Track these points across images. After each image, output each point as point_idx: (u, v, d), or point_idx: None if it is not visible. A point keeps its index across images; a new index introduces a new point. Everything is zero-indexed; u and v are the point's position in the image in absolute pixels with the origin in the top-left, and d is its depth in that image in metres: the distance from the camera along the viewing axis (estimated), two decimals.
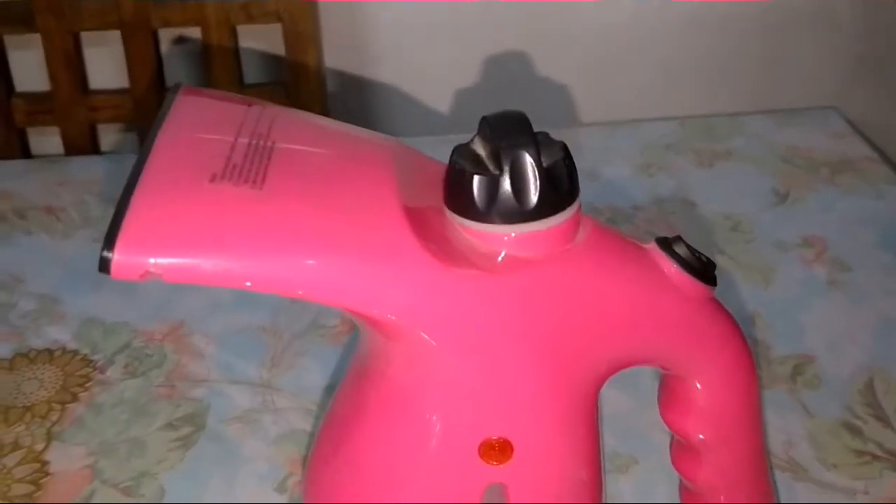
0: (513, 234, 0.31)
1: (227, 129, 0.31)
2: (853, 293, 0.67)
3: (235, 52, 0.88)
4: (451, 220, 0.32)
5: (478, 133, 0.33)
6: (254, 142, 0.30)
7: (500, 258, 0.31)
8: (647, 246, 0.35)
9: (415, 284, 0.30)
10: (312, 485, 0.38)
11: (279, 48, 0.89)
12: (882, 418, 0.57)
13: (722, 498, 0.40)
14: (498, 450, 0.32)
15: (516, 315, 0.31)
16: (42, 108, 0.90)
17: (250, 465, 0.54)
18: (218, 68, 0.88)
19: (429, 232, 0.31)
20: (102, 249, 0.27)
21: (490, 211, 0.31)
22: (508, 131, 0.31)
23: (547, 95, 0.94)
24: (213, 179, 0.29)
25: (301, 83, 0.89)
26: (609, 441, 0.53)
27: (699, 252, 0.35)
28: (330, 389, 0.59)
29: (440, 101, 0.95)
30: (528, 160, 0.30)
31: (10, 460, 0.54)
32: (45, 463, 0.55)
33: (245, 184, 0.29)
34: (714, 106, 0.97)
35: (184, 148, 0.30)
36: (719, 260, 0.69)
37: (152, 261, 0.28)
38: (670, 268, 0.34)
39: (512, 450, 0.32)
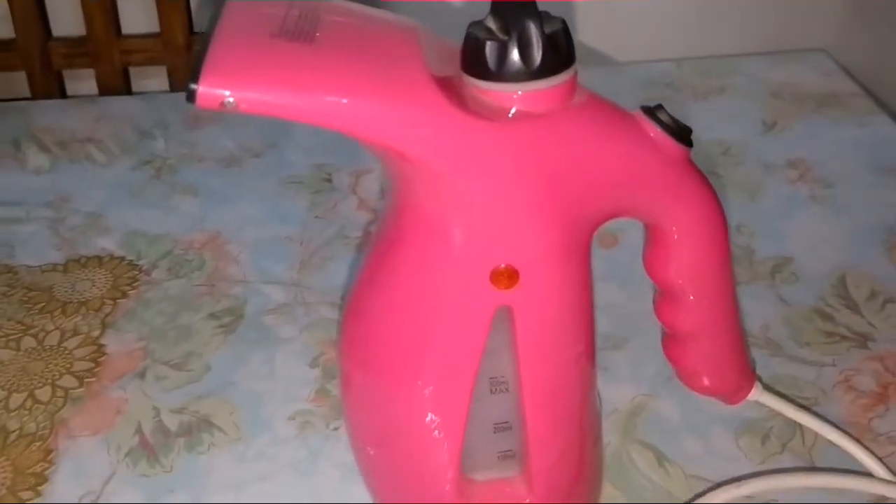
0: (520, 92, 0.37)
1: (280, 5, 0.37)
2: (833, 206, 0.73)
3: None
4: (468, 83, 0.38)
5: (489, 12, 0.39)
6: (303, 13, 0.37)
7: (510, 114, 0.37)
8: (633, 112, 0.41)
9: (439, 125, 0.36)
10: (350, 317, 0.44)
11: None
12: (852, 307, 0.63)
13: (700, 341, 0.46)
14: (506, 276, 0.38)
15: (523, 159, 0.37)
16: (78, 51, 0.96)
17: (286, 346, 0.61)
18: None
19: (450, 90, 0.37)
20: (189, 83, 0.34)
21: (501, 72, 0.37)
22: (516, 7, 0.37)
23: None
24: (272, 36, 0.35)
25: None
26: (604, 325, 0.60)
27: (678, 119, 0.41)
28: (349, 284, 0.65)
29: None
30: (533, 27, 0.37)
31: (71, 343, 0.61)
32: (101, 346, 0.61)
33: (298, 41, 0.35)
34: (710, 48, 1.03)
35: (248, 14, 0.36)
36: (711, 179, 0.75)
37: (228, 92, 0.34)
38: (654, 130, 0.40)
39: (518, 276, 0.39)
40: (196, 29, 0.96)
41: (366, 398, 0.46)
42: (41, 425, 0.55)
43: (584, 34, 1.00)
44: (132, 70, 0.98)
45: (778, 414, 0.53)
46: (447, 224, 0.38)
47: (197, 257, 0.69)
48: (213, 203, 0.76)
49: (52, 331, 0.62)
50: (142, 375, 0.59)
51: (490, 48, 0.37)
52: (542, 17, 0.37)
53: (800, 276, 0.66)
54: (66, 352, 0.60)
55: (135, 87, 0.99)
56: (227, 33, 0.35)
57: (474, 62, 0.37)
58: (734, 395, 0.49)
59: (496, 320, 0.40)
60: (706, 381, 0.48)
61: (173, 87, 0.98)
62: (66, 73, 0.98)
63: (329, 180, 0.78)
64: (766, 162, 0.79)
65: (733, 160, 0.79)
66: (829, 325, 0.61)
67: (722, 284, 0.44)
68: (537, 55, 0.37)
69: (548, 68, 0.37)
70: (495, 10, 0.38)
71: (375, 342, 0.43)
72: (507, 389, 0.42)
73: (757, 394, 0.50)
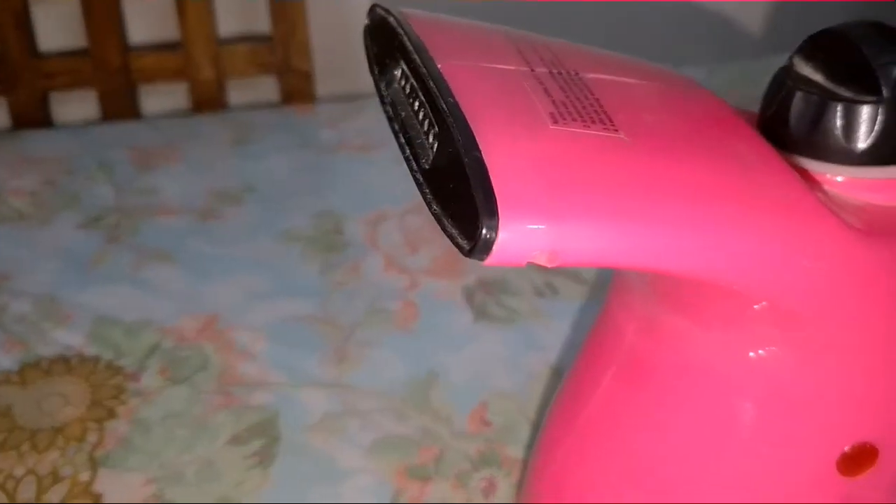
0: (891, 177, 0.24)
1: (508, 57, 0.23)
2: None
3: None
4: (803, 167, 0.25)
5: (801, 53, 0.25)
6: (554, 71, 0.22)
7: (863, 212, 0.24)
8: None
9: (830, 259, 0.23)
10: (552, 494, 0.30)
11: None
12: None
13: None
14: (860, 458, 0.25)
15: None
16: None
17: (351, 481, 0.46)
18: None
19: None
20: (483, 228, 0.19)
21: (868, 149, 0.24)
22: (880, 45, 0.24)
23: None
24: (555, 121, 0.20)
25: (288, 34, 0.79)
26: None
27: None
28: (415, 383, 0.51)
29: None
30: None
31: (56, 496, 0.44)
32: (98, 496, 0.45)
33: (594, 125, 0.21)
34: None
35: (487, 83, 0.21)
36: None
37: (544, 236, 0.19)
38: None
39: (876, 458, 0.26)
40: (131, 43, 0.79)
41: None
42: None
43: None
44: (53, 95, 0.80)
45: None
46: (778, 392, 0.25)
47: (196, 352, 0.54)
48: (198, 273, 0.60)
49: (22, 477, 0.45)
50: None
51: (857, 114, 0.23)
52: None
53: None
54: None
55: (56, 117, 0.81)
56: (490, 121, 0.20)
57: (811, 133, 0.24)
58: None
59: None
60: None
61: (106, 116, 0.80)
62: None
63: (339, 232, 0.63)
64: None
65: None
66: None
67: None
68: None
69: None
70: (826, 50, 0.25)
71: None
72: None
73: None
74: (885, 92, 0.24)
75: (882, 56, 0.24)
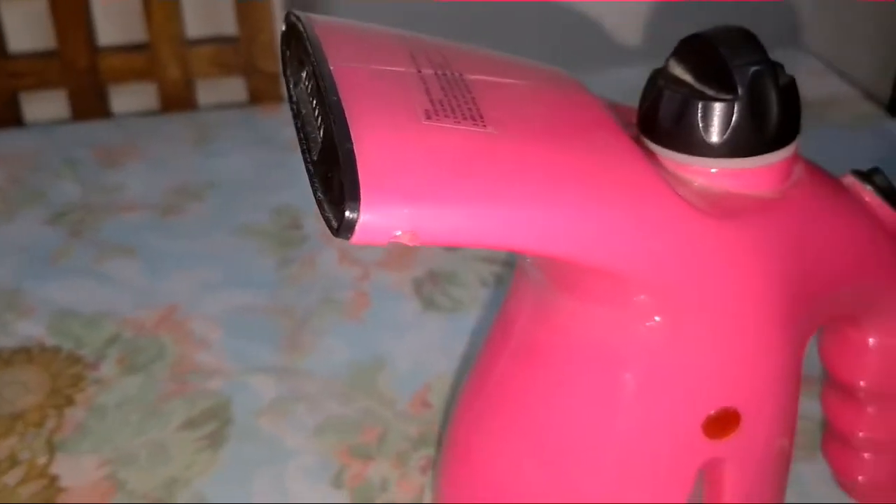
0: (747, 169, 0.27)
1: (399, 59, 0.25)
2: None
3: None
4: (659, 157, 0.27)
5: (674, 55, 0.28)
6: (439, 73, 0.25)
7: (724, 198, 0.27)
8: (843, 178, 0.31)
9: (671, 235, 0.25)
10: (456, 479, 0.33)
11: None
12: None
13: (884, 453, 0.36)
14: (724, 422, 0.28)
15: (757, 265, 0.27)
16: None
17: (297, 461, 0.48)
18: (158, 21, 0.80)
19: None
20: (346, 210, 0.21)
21: (722, 142, 0.26)
22: (735, 48, 0.26)
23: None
24: (428, 116, 0.23)
25: (253, 35, 0.81)
26: None
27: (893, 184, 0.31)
28: (361, 369, 0.53)
29: None
30: (768, 81, 0.26)
31: (13, 479, 0.47)
32: (54, 478, 0.47)
33: (465, 121, 0.23)
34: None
35: (373, 82, 0.24)
36: None
37: (405, 219, 0.22)
38: (872, 199, 0.30)
39: (739, 421, 0.28)
40: (99, 44, 0.81)
41: None
42: None
43: (548, 36, 0.90)
44: (22, 96, 0.82)
45: None
46: (646, 360, 0.27)
47: (153, 342, 0.56)
48: (158, 266, 0.62)
49: None
50: None
51: (711, 111, 0.26)
52: (775, 65, 0.26)
53: None
54: (8, 491, 0.46)
55: (26, 116, 0.83)
56: (367, 115, 0.22)
57: (680, 130, 0.26)
58: None
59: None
60: (878, 496, 0.38)
61: (76, 115, 0.82)
62: None
63: (298, 227, 0.65)
64: None
65: None
66: None
67: None
68: (774, 118, 0.26)
69: (785, 134, 0.26)
70: (688, 52, 0.27)
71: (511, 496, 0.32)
72: None
73: None
74: (740, 91, 0.26)
75: (739, 58, 0.26)
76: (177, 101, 0.83)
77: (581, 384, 0.29)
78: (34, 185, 0.70)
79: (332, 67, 0.23)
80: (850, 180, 0.31)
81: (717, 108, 0.26)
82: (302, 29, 0.26)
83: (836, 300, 0.31)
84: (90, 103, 0.81)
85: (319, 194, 0.23)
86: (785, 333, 0.28)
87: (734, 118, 0.26)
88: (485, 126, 0.23)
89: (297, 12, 0.28)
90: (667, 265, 0.25)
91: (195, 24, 0.83)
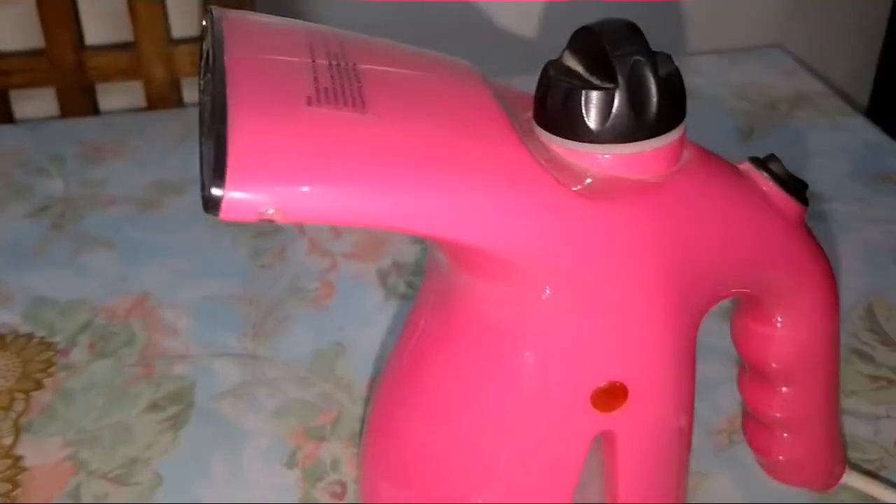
0: (628, 154, 0.28)
1: (297, 50, 0.27)
2: (836, 224, 0.67)
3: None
4: (548, 143, 0.29)
5: (568, 47, 0.29)
6: (333, 63, 0.26)
7: (607, 182, 0.28)
8: (741, 166, 0.33)
9: (543, 215, 0.27)
10: (377, 447, 0.34)
11: None
12: (888, 343, 0.56)
13: (796, 431, 0.38)
14: (612, 395, 0.29)
15: (635, 245, 0.28)
16: None
17: (253, 442, 0.50)
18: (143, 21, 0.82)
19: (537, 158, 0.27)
20: (211, 186, 0.23)
21: (603, 129, 0.28)
22: (618, 40, 0.28)
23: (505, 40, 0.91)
24: (310, 103, 0.25)
25: None
26: None
27: (791, 172, 0.33)
28: (322, 355, 0.55)
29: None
30: (647, 70, 0.27)
31: None
32: (17, 458, 0.49)
33: (345, 107, 0.25)
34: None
35: (262, 72, 0.26)
36: None
37: (268, 196, 0.23)
38: (768, 186, 0.32)
39: (627, 394, 0.29)
40: (87, 43, 0.83)
41: None
42: None
43: (506, 36, 0.92)
44: (12, 94, 0.84)
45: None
46: (536, 336, 0.29)
47: (124, 328, 0.58)
48: (134, 257, 0.64)
49: None
50: (75, 495, 0.47)
51: (591, 99, 0.27)
52: (655, 55, 0.28)
53: None
54: None
55: (17, 114, 0.85)
56: (248, 102, 0.24)
57: (565, 117, 0.28)
58: (826, 483, 0.41)
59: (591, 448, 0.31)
60: (797, 473, 0.40)
61: (64, 113, 0.84)
62: None
63: (271, 219, 0.67)
64: None
65: None
66: (870, 368, 0.55)
67: (828, 371, 0.36)
68: (653, 106, 0.27)
69: (665, 122, 0.28)
70: (580, 45, 0.28)
71: (424, 470, 0.33)
72: None
73: (846, 477, 0.42)
74: (620, 80, 0.28)
75: (620, 49, 0.28)
76: (163, 99, 0.85)
77: (480, 358, 0.30)
78: (20, 180, 0.72)
79: (226, 58, 0.25)
80: (747, 167, 0.32)
81: (598, 97, 0.28)
82: (209, 22, 0.28)
83: (729, 282, 0.32)
84: (78, 101, 0.84)
85: (203, 176, 0.25)
86: (669, 312, 0.29)
87: (614, 106, 0.28)
88: (364, 112, 0.25)
89: (215, 8, 0.30)
90: (542, 244, 0.27)
91: (180, 24, 0.85)
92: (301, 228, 0.66)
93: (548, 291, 0.28)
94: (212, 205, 0.23)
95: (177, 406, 0.52)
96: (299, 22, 0.30)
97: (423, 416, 0.32)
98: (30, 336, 0.57)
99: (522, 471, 0.31)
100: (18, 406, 0.52)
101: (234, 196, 0.23)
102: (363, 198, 0.24)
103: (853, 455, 0.49)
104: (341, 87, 0.25)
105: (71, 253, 0.64)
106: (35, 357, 0.55)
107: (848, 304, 0.59)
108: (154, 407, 0.52)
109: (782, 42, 0.94)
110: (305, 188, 0.24)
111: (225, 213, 0.24)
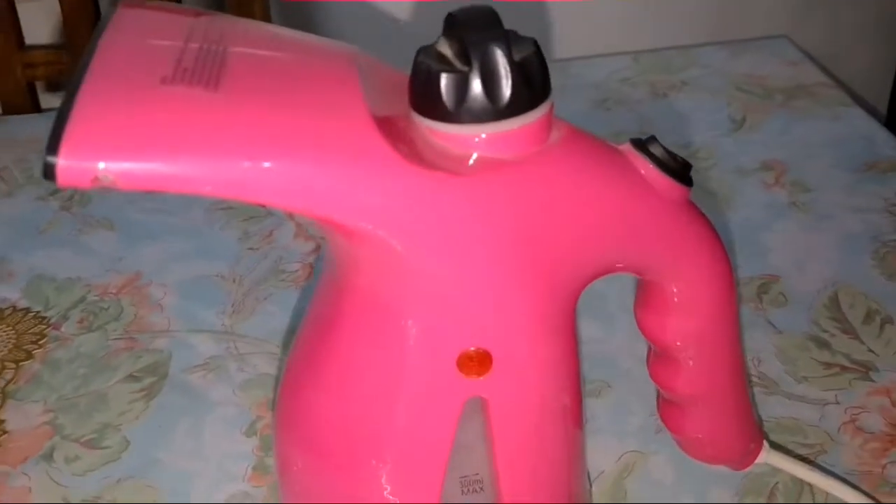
0: (484, 135, 0.30)
1: (175, 35, 0.29)
2: (815, 213, 0.67)
3: None
4: (419, 124, 0.31)
5: (443, 33, 0.31)
6: (205, 46, 0.29)
7: (471, 161, 0.30)
8: (622, 147, 0.34)
9: (384, 186, 0.29)
10: (285, 412, 0.37)
11: None
12: (849, 331, 0.57)
13: (704, 406, 0.39)
14: (476, 361, 0.31)
15: (491, 218, 0.30)
16: None
17: (217, 411, 0.53)
18: None
19: (396, 136, 0.29)
20: (46, 154, 0.26)
21: (460, 110, 0.30)
22: (476, 25, 0.30)
23: None
24: (164, 82, 0.27)
25: None
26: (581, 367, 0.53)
27: (674, 153, 0.34)
28: (293, 332, 0.58)
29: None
30: (499, 55, 0.29)
31: None
32: (1, 423, 0.53)
33: (198, 86, 0.27)
34: (667, 40, 0.97)
35: (129, 53, 0.28)
36: None
37: (102, 165, 0.26)
38: (647, 168, 0.33)
39: (491, 361, 0.31)
40: None
41: (310, 491, 0.38)
42: None
43: (534, 29, 0.93)
44: (39, 85, 0.89)
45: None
46: (402, 303, 0.31)
47: (114, 304, 0.61)
48: (132, 238, 0.67)
49: None
50: (48, 457, 0.50)
51: (446, 82, 0.29)
52: (510, 40, 0.29)
53: (788, 297, 0.60)
54: None
55: (44, 104, 0.90)
56: (102, 79, 0.27)
57: (427, 99, 0.30)
58: (742, 461, 0.43)
59: (466, 412, 0.33)
60: (711, 450, 0.41)
61: None
62: None
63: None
64: (739, 165, 0.73)
65: (703, 164, 0.73)
66: (826, 355, 0.55)
67: (728, 345, 0.37)
68: (505, 89, 0.29)
69: (518, 104, 0.30)
70: (450, 30, 0.30)
71: (323, 435, 0.36)
72: (481, 489, 0.35)
73: (765, 455, 0.43)
74: (474, 64, 0.29)
75: (476, 34, 0.30)
76: None
77: (363, 328, 0.32)
78: (36, 165, 0.77)
79: (100, 41, 0.28)
80: (627, 148, 0.34)
81: (454, 80, 0.29)
82: (112, 8, 0.30)
83: (603, 259, 0.33)
84: None
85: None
86: (529, 283, 0.31)
87: (469, 89, 0.29)
88: (216, 91, 0.27)
89: None
90: (386, 214, 0.29)
91: None
92: (290, 213, 0.69)
93: (412, 262, 0.30)
94: (47, 172, 0.26)
95: (152, 377, 0.55)
96: (195, 10, 0.32)
97: (321, 386, 0.34)
98: (26, 310, 0.61)
99: (405, 434, 0.33)
100: (8, 375, 0.56)
101: (66, 164, 0.26)
102: (194, 167, 0.27)
103: (793, 439, 0.50)
104: (202, 69, 0.28)
105: (74, 233, 0.68)
106: (28, 330, 0.59)
107: (813, 292, 0.60)
108: (130, 378, 0.55)
109: (792, 34, 0.94)
110: (139, 159, 0.26)
111: (61, 180, 0.26)
